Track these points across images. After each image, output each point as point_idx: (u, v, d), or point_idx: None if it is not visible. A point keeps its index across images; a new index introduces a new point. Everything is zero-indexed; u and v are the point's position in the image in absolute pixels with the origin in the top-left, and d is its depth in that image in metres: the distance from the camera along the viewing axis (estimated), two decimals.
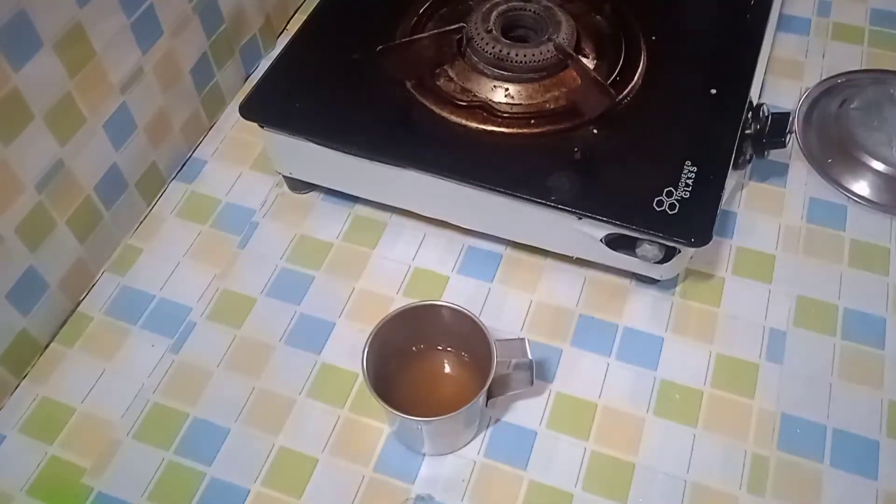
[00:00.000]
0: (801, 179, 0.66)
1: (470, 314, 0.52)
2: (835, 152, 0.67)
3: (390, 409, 0.48)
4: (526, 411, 0.55)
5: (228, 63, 0.71)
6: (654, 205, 0.54)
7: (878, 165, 0.65)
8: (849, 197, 0.64)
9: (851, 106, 0.68)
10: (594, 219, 0.54)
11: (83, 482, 0.53)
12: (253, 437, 0.54)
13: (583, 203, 0.54)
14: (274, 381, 0.57)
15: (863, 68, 0.73)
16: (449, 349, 0.56)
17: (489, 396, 0.53)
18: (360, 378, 0.56)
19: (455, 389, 0.54)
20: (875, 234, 0.62)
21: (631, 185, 0.55)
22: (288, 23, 0.79)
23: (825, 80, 0.72)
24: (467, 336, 0.52)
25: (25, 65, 0.50)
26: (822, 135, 0.68)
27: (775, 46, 0.74)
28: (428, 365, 0.56)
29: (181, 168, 0.69)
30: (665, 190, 0.54)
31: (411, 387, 0.54)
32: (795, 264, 0.61)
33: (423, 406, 0.51)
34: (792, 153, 0.67)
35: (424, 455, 0.53)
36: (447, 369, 0.56)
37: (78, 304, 0.61)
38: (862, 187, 0.65)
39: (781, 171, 0.66)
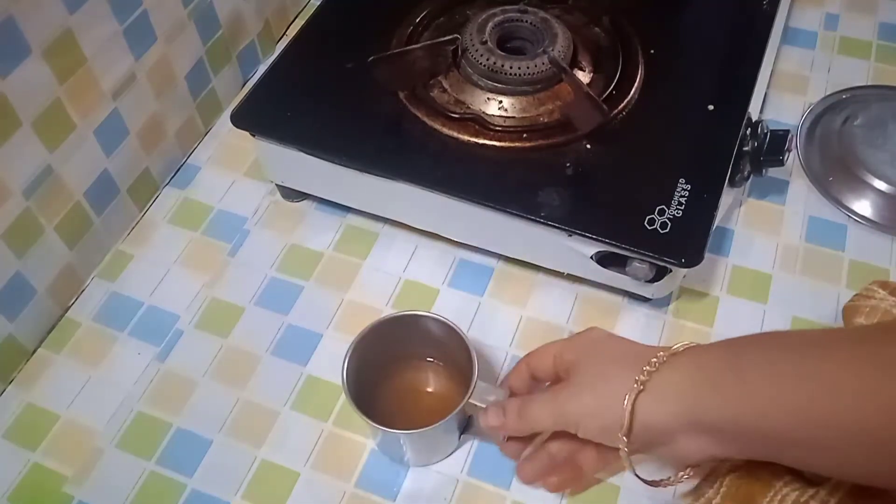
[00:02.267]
0: (802, 197, 0.65)
1: (452, 325, 0.51)
2: (836, 170, 0.65)
3: (370, 421, 0.48)
4: None
5: (225, 69, 0.71)
6: (645, 223, 0.53)
7: (880, 185, 0.63)
8: (849, 216, 0.63)
9: (855, 123, 0.67)
10: (584, 236, 0.53)
11: (64, 491, 0.52)
12: (235, 449, 0.54)
13: (573, 220, 0.53)
14: (259, 393, 0.56)
15: (869, 84, 0.72)
16: (432, 360, 0.55)
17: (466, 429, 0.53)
18: None
19: (438, 400, 0.54)
20: (875, 255, 0.61)
21: (623, 202, 0.55)
22: (287, 28, 0.79)
23: (829, 95, 0.71)
24: (450, 347, 0.52)
25: (13, 71, 0.50)
26: (825, 152, 0.67)
27: (780, 60, 0.73)
28: (411, 376, 0.55)
29: (175, 174, 0.68)
30: (657, 208, 0.53)
31: (393, 398, 0.54)
32: (792, 284, 0.60)
33: (405, 418, 0.50)
34: (793, 170, 0.66)
35: (408, 468, 0.53)
36: (430, 380, 0.55)
37: (66, 310, 0.60)
38: (863, 206, 0.63)
39: (781, 188, 0.65)
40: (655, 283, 0.55)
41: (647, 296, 0.57)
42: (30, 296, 0.57)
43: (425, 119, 0.59)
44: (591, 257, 0.55)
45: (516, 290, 0.60)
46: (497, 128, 0.58)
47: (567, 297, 0.60)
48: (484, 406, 0.49)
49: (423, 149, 0.58)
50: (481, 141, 0.57)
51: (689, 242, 0.52)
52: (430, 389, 0.55)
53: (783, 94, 0.71)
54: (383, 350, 0.53)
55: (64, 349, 0.59)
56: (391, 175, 0.57)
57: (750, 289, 0.60)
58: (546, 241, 0.55)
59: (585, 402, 0.45)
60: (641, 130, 0.59)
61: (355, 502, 0.51)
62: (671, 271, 0.54)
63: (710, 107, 0.59)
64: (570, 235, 0.54)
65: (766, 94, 0.70)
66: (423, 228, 0.62)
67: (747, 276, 0.60)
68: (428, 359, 0.55)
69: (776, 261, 0.61)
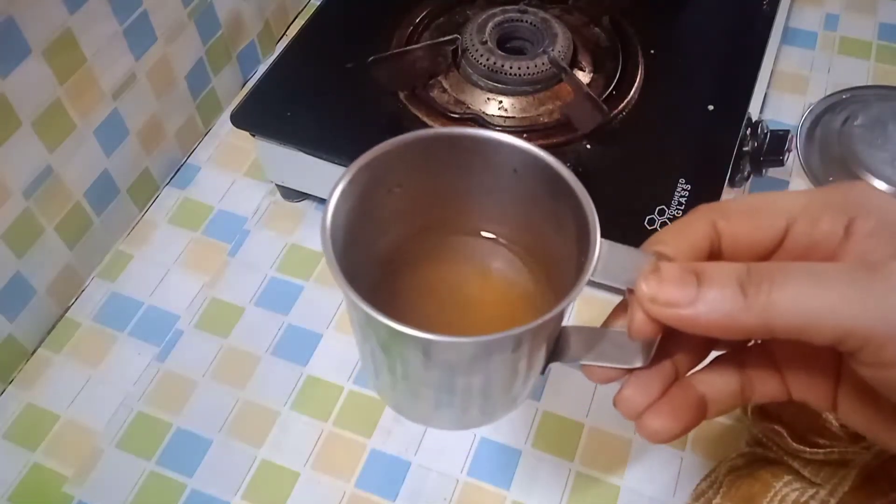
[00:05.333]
0: None
1: (561, 170, 0.29)
2: (836, 170, 0.65)
3: (375, 312, 0.27)
4: (512, 430, 0.54)
5: (225, 68, 0.71)
6: (645, 223, 0.53)
7: (880, 185, 0.63)
8: None
9: (855, 123, 0.67)
10: None
11: (64, 491, 0.52)
12: (235, 450, 0.54)
13: None
14: (259, 393, 0.56)
15: (869, 84, 0.72)
16: (501, 241, 0.33)
17: (555, 356, 0.31)
18: (346, 391, 0.56)
19: (499, 315, 0.33)
20: None
21: (622, 202, 0.54)
22: (288, 28, 0.79)
23: (830, 95, 0.71)
24: (544, 220, 0.30)
25: (13, 71, 0.50)
26: (825, 152, 0.67)
27: (780, 60, 0.73)
28: (456, 264, 0.33)
29: (175, 174, 0.68)
30: (657, 208, 0.53)
31: (420, 296, 0.33)
32: None
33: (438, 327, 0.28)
34: (793, 170, 0.66)
35: (408, 466, 0.52)
36: (493, 276, 0.33)
37: (66, 310, 0.60)
38: None
39: (781, 188, 0.65)
40: None
41: None
42: (30, 296, 0.57)
43: (425, 119, 0.59)
44: None
45: None
46: (497, 128, 0.58)
47: None
48: (625, 287, 0.28)
49: None
50: None
51: None
52: (490, 293, 0.33)
53: (783, 94, 0.71)
54: (414, 206, 0.31)
55: (64, 349, 0.59)
56: None
57: None
58: None
59: None
60: (641, 130, 0.59)
61: (355, 502, 0.51)
62: None
63: (710, 107, 0.59)
64: None
65: (766, 94, 0.70)
66: None
67: None
68: (484, 234, 0.33)
69: None
